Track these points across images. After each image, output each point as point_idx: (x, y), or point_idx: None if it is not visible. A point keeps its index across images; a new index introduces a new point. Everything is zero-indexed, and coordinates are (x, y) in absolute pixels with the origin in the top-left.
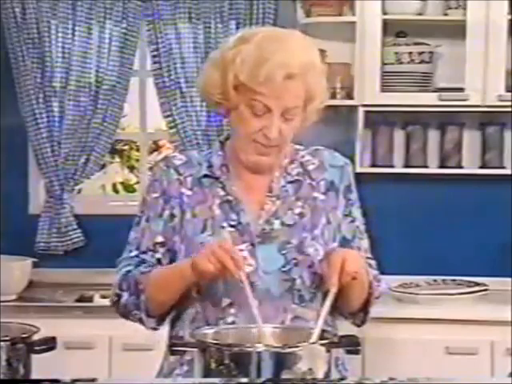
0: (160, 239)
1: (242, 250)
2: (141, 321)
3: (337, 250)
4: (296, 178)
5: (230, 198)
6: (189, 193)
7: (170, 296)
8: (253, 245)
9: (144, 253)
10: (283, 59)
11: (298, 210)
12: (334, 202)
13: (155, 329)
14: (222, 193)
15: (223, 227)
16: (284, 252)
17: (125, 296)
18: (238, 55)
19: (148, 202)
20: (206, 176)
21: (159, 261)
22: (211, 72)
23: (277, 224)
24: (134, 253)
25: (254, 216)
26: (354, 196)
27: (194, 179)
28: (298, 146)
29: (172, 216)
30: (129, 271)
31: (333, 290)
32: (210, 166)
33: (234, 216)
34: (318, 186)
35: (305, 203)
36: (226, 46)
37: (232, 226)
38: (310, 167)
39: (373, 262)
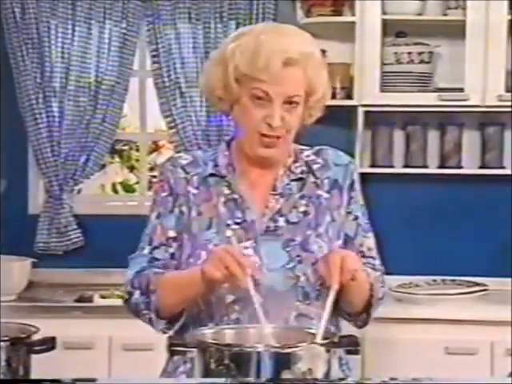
0: (172, 234)
1: (246, 248)
2: (150, 321)
3: (335, 250)
4: (300, 176)
5: (235, 196)
6: (195, 191)
7: (181, 302)
8: (257, 242)
9: (156, 248)
10: (281, 46)
11: (302, 208)
12: (338, 201)
13: (164, 332)
14: (227, 191)
15: (228, 225)
16: (288, 249)
17: (136, 294)
18: (237, 48)
19: (158, 200)
20: (211, 175)
21: (173, 256)
22: (212, 68)
23: (281, 221)
24: (147, 249)
25: (258, 214)
26: (357, 194)
27: (199, 178)
28: (302, 146)
29: (181, 213)
30: (142, 268)
31: (334, 287)
32: (216, 166)
33: (239, 214)
34: (322, 184)
35: (309, 201)
36: (225, 43)
37: (237, 224)
38: (315, 166)
39: (377, 263)
